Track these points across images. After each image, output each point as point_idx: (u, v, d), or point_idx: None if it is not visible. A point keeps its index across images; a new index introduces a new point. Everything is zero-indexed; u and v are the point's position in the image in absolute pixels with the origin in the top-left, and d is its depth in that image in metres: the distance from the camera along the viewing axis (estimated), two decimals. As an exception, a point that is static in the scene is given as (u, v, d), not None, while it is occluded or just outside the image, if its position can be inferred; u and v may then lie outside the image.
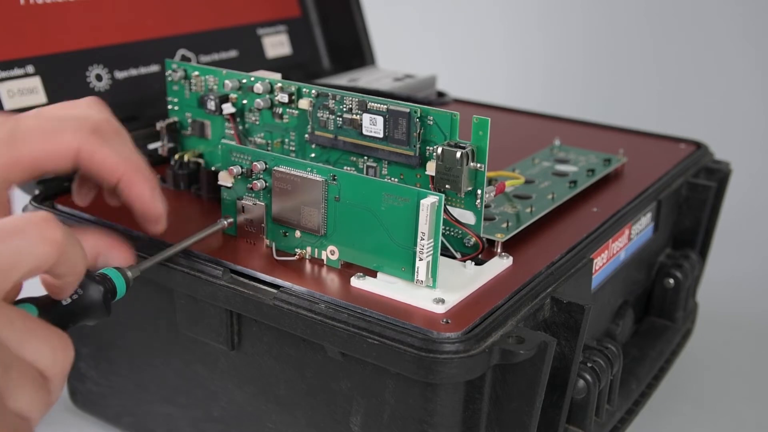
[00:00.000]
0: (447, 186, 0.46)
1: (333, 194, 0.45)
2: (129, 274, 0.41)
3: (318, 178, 0.45)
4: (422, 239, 0.42)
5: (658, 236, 0.64)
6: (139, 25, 0.66)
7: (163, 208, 0.46)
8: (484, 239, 0.47)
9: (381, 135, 0.48)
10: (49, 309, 0.37)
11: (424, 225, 0.42)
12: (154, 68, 0.66)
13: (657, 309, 0.67)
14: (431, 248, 0.42)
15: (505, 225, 0.50)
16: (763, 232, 1.02)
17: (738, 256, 0.94)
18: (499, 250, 0.49)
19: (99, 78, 0.63)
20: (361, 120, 0.49)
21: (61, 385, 0.35)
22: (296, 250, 0.48)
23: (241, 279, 0.46)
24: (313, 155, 0.52)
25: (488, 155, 0.46)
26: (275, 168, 0.47)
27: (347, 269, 0.46)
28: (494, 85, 1.29)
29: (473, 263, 0.46)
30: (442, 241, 0.47)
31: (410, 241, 0.43)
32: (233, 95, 0.54)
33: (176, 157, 0.58)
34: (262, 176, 0.47)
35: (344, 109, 0.49)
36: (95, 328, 0.57)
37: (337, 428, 0.46)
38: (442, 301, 0.42)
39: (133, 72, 0.65)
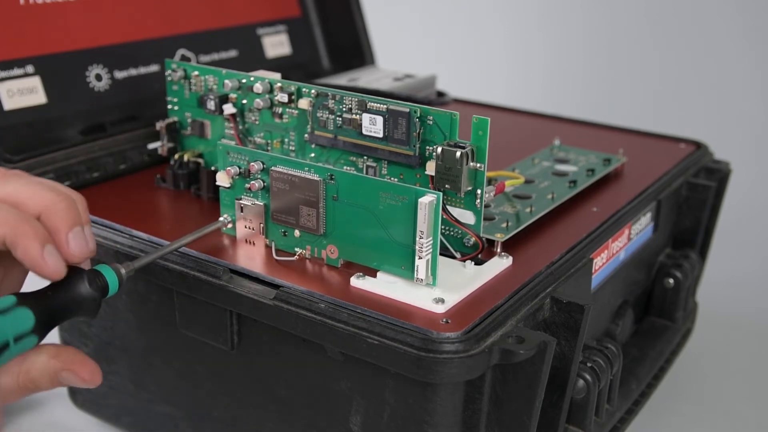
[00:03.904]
0: (447, 186, 0.46)
1: (331, 194, 0.45)
2: (123, 271, 0.41)
3: (315, 178, 0.45)
4: (421, 238, 0.42)
5: (657, 236, 0.64)
6: (139, 25, 0.66)
7: (59, 263, 0.38)
8: (483, 239, 0.47)
9: (381, 135, 0.48)
10: (39, 305, 0.38)
11: (422, 224, 0.41)
12: (154, 68, 0.66)
13: (657, 309, 0.67)
14: (430, 246, 0.42)
15: (504, 225, 0.50)
16: (763, 232, 1.02)
17: (738, 256, 0.94)
18: (498, 250, 0.49)
19: (99, 78, 0.63)
20: (360, 120, 0.49)
21: None
22: (296, 249, 0.48)
23: (241, 279, 0.46)
24: (312, 155, 0.52)
25: (488, 155, 0.46)
26: (273, 168, 0.47)
27: (347, 269, 0.46)
28: (494, 85, 1.29)
29: (473, 263, 0.46)
30: (441, 241, 0.47)
31: (409, 240, 0.43)
32: (233, 95, 0.54)
33: (176, 156, 0.58)
34: (259, 176, 0.47)
35: (344, 109, 0.49)
36: (95, 327, 0.57)
37: (337, 428, 0.46)
38: (442, 300, 0.42)
39: (133, 72, 0.65)
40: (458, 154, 0.45)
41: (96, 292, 0.39)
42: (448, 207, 0.47)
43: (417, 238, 0.42)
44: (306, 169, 0.46)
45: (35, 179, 0.40)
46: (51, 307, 0.38)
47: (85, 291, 0.39)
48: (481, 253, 0.47)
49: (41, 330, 0.38)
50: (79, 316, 0.40)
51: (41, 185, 0.39)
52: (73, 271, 0.39)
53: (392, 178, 0.49)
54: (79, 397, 0.61)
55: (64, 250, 0.39)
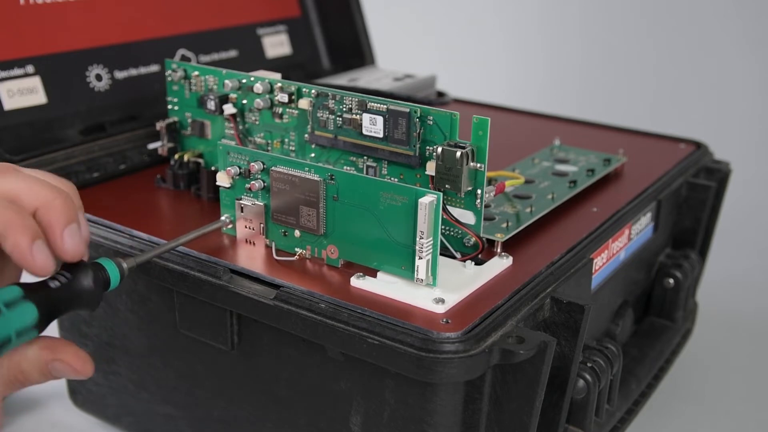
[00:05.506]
0: (447, 186, 0.46)
1: (331, 194, 0.45)
2: (124, 265, 0.41)
3: (316, 178, 0.45)
4: (421, 238, 0.42)
5: (657, 236, 0.64)
6: (139, 25, 0.66)
7: (48, 260, 0.37)
8: (484, 239, 0.47)
9: (381, 135, 0.48)
10: (38, 294, 0.37)
11: (422, 224, 0.42)
12: (154, 68, 0.66)
13: (657, 309, 0.67)
14: (430, 247, 0.42)
15: (505, 225, 0.50)
16: (763, 232, 1.02)
17: (737, 256, 0.94)
18: (499, 250, 0.49)
19: (99, 78, 0.63)
20: (360, 120, 0.49)
21: None
22: (296, 249, 0.48)
23: (242, 279, 0.46)
24: (312, 155, 0.52)
25: (488, 155, 0.46)
26: (273, 168, 0.47)
27: (347, 269, 0.46)
28: (494, 85, 1.29)
29: (473, 263, 0.46)
30: (441, 241, 0.47)
31: (410, 240, 0.43)
32: (233, 95, 0.54)
33: (176, 157, 0.58)
34: (260, 176, 0.47)
35: (344, 109, 0.49)
36: (95, 328, 0.57)
37: (337, 428, 0.46)
38: (442, 301, 0.42)
39: (133, 72, 0.65)
40: (458, 154, 0.45)
41: (98, 285, 0.39)
42: (448, 207, 0.47)
43: (417, 239, 0.42)
44: (306, 169, 0.46)
45: (32, 174, 0.40)
46: (54, 301, 0.38)
47: (87, 284, 0.39)
48: (481, 253, 0.47)
49: (42, 324, 0.38)
50: (80, 309, 0.40)
51: (38, 181, 0.39)
52: (76, 264, 0.39)
53: (392, 178, 0.49)
54: (79, 397, 0.61)
55: (59, 246, 0.38)
